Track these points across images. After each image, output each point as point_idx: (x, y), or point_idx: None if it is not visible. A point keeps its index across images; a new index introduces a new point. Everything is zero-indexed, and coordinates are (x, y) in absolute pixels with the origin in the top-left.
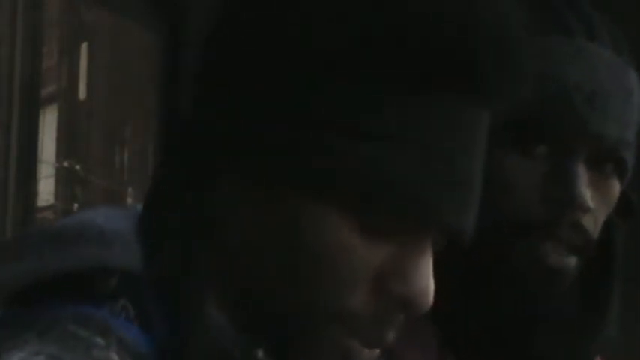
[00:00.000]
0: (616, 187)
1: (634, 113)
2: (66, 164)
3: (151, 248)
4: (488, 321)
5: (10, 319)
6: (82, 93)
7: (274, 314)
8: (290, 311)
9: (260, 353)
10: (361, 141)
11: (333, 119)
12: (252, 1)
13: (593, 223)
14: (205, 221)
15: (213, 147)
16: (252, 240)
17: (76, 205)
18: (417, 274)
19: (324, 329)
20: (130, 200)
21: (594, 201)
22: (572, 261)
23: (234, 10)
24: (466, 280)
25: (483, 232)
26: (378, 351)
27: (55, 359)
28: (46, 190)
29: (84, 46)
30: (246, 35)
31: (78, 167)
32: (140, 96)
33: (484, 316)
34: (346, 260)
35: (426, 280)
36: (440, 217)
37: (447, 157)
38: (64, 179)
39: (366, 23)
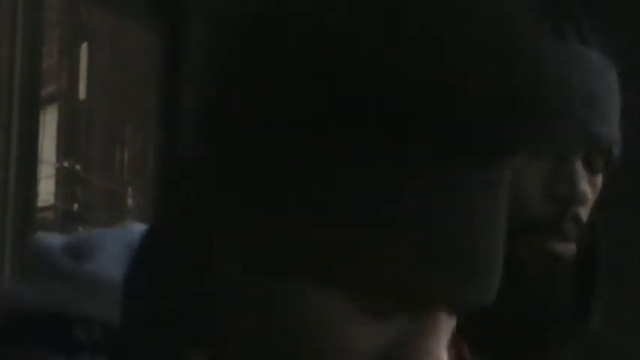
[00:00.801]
0: (601, 180)
1: (618, 112)
2: (66, 164)
3: (138, 308)
4: (498, 317)
5: None
6: (82, 93)
7: None
8: None
9: None
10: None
11: (335, 201)
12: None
13: (586, 213)
14: (197, 295)
15: (213, 224)
16: (248, 323)
17: (76, 205)
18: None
19: None
20: (130, 200)
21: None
22: (571, 250)
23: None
24: None
25: None
26: None
27: None
28: (46, 190)
29: (84, 46)
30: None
31: (78, 167)
32: (140, 96)
33: (495, 313)
34: (340, 346)
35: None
36: (454, 298)
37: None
38: (64, 179)
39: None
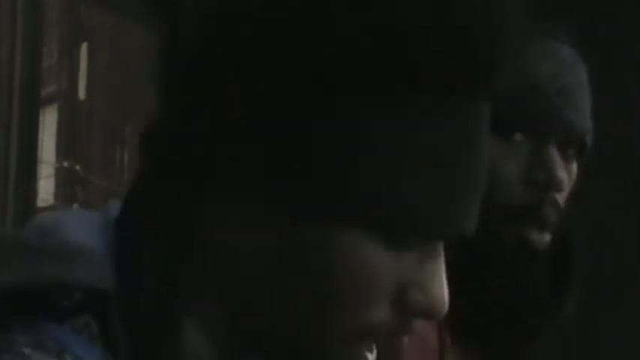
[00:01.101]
0: (575, 168)
1: (590, 103)
2: (66, 164)
3: (129, 267)
4: (479, 302)
5: None
6: (82, 93)
7: (288, 338)
8: (300, 334)
9: None
10: (374, 159)
11: (341, 138)
12: (243, 13)
13: (562, 201)
14: (193, 243)
15: (204, 167)
16: (263, 265)
17: (75, 205)
18: (436, 282)
19: (337, 346)
20: None
21: None
22: (548, 237)
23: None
24: (458, 265)
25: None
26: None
27: None
28: (46, 190)
29: (84, 46)
30: (242, 48)
31: (78, 167)
32: (140, 96)
33: (476, 297)
34: (372, 281)
35: (443, 287)
36: (458, 227)
37: (462, 164)
38: (64, 179)
39: (362, 30)
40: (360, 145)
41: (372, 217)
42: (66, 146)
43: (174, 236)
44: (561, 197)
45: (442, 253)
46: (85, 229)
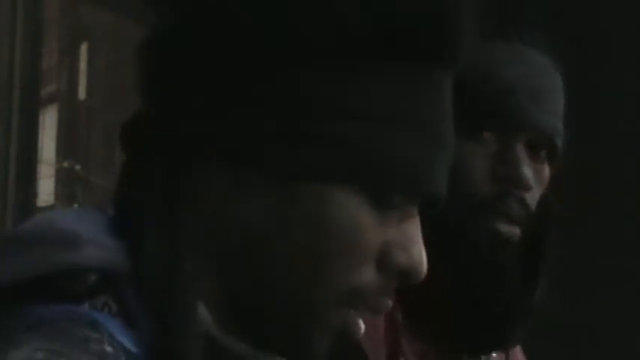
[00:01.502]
0: (547, 170)
1: (562, 107)
2: (66, 164)
3: (136, 246)
4: (451, 290)
5: None
6: (82, 93)
7: (281, 302)
8: (298, 299)
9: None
10: (356, 123)
11: (325, 106)
12: None
13: (533, 200)
14: (195, 216)
15: (198, 138)
16: (258, 230)
17: (75, 205)
18: (416, 244)
19: (333, 309)
20: None
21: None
22: (517, 231)
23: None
24: (431, 253)
25: (445, 209)
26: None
27: (55, 354)
28: (46, 190)
29: (84, 46)
30: (229, 20)
31: (78, 167)
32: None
33: (447, 285)
34: (362, 239)
35: (422, 250)
36: (434, 187)
37: (433, 127)
38: (64, 179)
39: (340, 7)
40: (349, 108)
41: (360, 177)
42: (66, 146)
43: (170, 211)
44: (531, 195)
45: (418, 216)
46: (85, 218)
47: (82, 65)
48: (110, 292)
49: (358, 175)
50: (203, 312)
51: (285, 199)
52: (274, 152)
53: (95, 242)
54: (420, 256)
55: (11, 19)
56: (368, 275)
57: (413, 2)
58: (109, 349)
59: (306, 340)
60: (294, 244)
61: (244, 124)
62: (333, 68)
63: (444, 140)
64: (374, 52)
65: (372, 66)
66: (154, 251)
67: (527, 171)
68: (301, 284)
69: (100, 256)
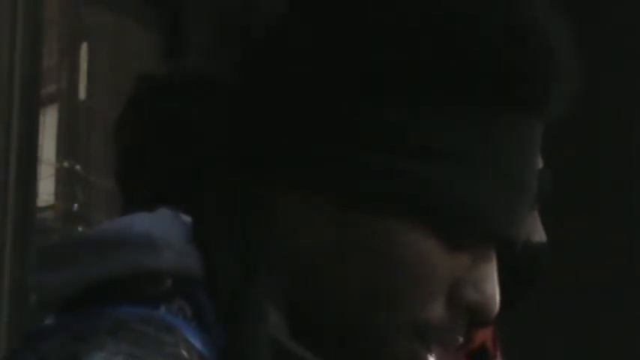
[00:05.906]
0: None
1: None
2: (66, 164)
3: (211, 255)
4: None
5: (72, 325)
6: (82, 93)
7: (348, 327)
8: (366, 325)
9: None
10: (434, 161)
11: (403, 140)
12: (303, 19)
13: None
14: (268, 233)
15: (275, 161)
16: (329, 256)
17: (75, 205)
18: (488, 281)
19: (402, 342)
20: None
21: None
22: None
23: (284, 28)
24: None
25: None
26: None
27: (133, 358)
28: (46, 190)
29: (84, 46)
30: (302, 52)
31: (78, 167)
32: None
33: None
34: (432, 273)
35: (495, 288)
36: (507, 232)
37: (514, 173)
38: (64, 179)
39: (423, 41)
40: (432, 149)
41: (436, 217)
42: (66, 146)
43: (243, 223)
44: None
45: (494, 259)
46: (162, 222)
47: (83, 65)
48: (185, 296)
49: (430, 212)
50: (274, 319)
51: (356, 229)
52: (351, 187)
53: (172, 247)
54: (492, 292)
55: (11, 19)
56: (437, 309)
57: (510, 51)
58: (184, 353)
59: None
60: (362, 275)
61: (322, 156)
62: (421, 104)
63: (524, 187)
64: (466, 96)
65: (462, 107)
66: (228, 260)
67: None
68: (366, 309)
69: (176, 260)
